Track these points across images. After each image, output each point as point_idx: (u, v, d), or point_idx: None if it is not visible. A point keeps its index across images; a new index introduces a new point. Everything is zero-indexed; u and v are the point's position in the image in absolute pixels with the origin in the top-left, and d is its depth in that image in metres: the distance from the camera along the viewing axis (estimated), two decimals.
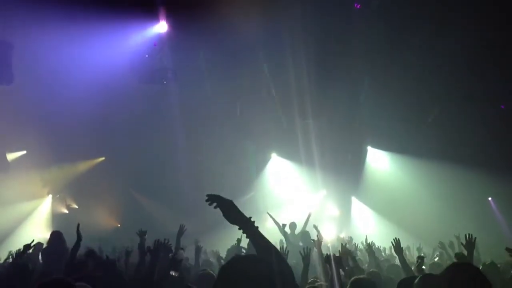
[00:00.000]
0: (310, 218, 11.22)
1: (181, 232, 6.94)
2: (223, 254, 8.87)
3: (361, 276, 4.49)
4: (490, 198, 16.18)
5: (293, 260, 8.79)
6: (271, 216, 11.35)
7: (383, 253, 10.53)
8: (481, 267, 6.17)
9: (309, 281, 5.19)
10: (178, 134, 16.34)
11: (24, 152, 16.40)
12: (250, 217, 2.81)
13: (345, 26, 13.28)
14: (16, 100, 13.58)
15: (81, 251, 6.27)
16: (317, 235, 6.31)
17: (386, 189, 16.88)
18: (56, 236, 7.33)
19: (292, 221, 11.01)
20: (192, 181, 17.10)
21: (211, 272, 5.33)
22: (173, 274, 4.31)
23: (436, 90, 13.90)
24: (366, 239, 8.91)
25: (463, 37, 12.44)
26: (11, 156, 16.08)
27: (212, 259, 8.86)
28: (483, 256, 8.73)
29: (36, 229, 16.74)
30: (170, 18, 13.00)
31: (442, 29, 12.70)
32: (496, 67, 12.98)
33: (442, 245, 8.96)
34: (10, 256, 7.63)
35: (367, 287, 4.17)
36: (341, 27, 13.31)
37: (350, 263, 5.58)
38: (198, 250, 7.26)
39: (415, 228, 14.19)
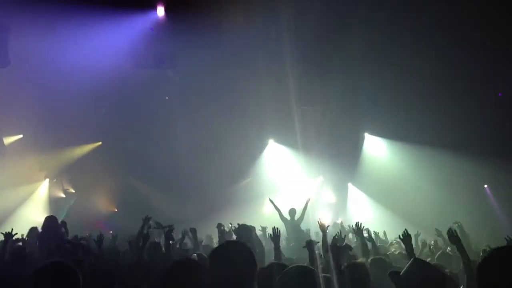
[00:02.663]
0: (309, 204, 11.26)
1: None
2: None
3: (356, 261, 4.53)
4: (486, 185, 16.27)
5: (291, 244, 8.93)
6: (272, 202, 11.36)
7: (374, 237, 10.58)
8: (481, 254, 6.23)
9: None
10: (175, 119, 16.32)
11: (21, 136, 16.36)
12: None
13: (342, 12, 13.20)
14: (13, 84, 13.50)
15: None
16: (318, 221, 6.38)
17: (382, 176, 16.93)
18: (50, 221, 7.31)
19: (291, 207, 11.07)
20: (189, 167, 17.14)
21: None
22: None
23: (434, 77, 13.87)
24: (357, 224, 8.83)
25: (462, 23, 12.40)
26: (7, 140, 16.04)
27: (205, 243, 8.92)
28: (477, 243, 8.81)
29: (33, 213, 16.75)
30: (167, 3, 12.87)
31: (441, 16, 12.64)
32: (494, 55, 12.96)
33: (438, 233, 9.01)
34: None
35: (361, 270, 4.21)
36: (338, 13, 13.23)
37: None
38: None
39: (411, 214, 14.28)
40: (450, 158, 14.45)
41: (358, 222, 6.56)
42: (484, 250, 6.62)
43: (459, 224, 9.07)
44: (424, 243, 8.61)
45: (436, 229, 9.01)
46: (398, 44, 13.52)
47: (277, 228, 5.40)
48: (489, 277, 1.95)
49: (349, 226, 10.52)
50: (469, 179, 14.73)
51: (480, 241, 9.12)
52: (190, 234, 7.30)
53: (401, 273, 3.17)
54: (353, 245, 6.30)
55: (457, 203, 14.26)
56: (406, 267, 3.21)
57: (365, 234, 7.92)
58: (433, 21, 12.94)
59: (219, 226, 7.41)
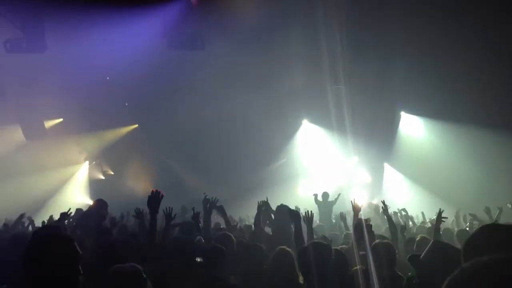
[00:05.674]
0: (340, 198, 11.49)
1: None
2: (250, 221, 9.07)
3: (379, 241, 4.51)
4: None
5: (320, 223, 9.19)
6: (317, 200, 11.33)
7: (415, 220, 10.51)
8: None
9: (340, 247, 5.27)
10: (209, 101, 16.38)
11: (61, 119, 16.84)
12: None
13: None
14: (52, 69, 13.85)
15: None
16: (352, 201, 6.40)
17: (420, 156, 16.58)
18: (97, 204, 7.44)
19: (324, 191, 11.42)
20: (223, 148, 17.25)
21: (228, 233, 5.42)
22: (198, 260, 4.37)
23: (473, 52, 13.33)
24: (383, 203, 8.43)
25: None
26: (48, 124, 16.55)
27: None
28: None
29: (74, 194, 17.35)
30: None
31: None
32: None
33: (487, 210, 8.86)
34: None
35: (387, 248, 4.21)
36: None
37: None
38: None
39: (450, 195, 13.95)
40: (490, 136, 13.96)
41: (383, 201, 6.54)
42: None
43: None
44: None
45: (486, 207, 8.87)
46: (434, 19, 13.05)
47: (311, 211, 5.46)
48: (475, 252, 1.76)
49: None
50: (510, 157, 14.21)
51: None
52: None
53: (421, 257, 3.11)
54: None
55: (497, 183, 13.83)
56: (426, 250, 3.13)
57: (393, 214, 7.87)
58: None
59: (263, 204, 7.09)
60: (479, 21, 12.62)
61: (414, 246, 5.22)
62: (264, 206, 6.63)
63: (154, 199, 4.68)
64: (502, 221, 8.27)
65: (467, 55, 13.26)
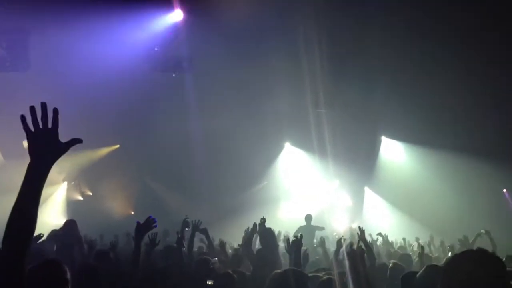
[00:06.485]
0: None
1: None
2: (235, 242, 8.94)
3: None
4: (505, 190, 15.99)
5: (304, 248, 9.01)
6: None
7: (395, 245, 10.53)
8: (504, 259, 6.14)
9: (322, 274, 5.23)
10: (192, 123, 16.36)
11: None
12: None
13: (360, 14, 13.10)
14: (31, 87, 13.70)
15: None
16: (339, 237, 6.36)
17: (399, 180, 16.75)
18: (69, 225, 7.34)
19: (307, 213, 11.35)
20: (205, 170, 17.17)
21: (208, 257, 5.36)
22: (209, 283, 4.31)
23: (452, 80, 13.66)
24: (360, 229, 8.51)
25: (480, 24, 12.21)
26: (26, 144, 16.27)
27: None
28: (497, 248, 8.66)
29: (51, 215, 16.98)
30: (186, 6, 12.92)
31: (461, 19, 12.46)
32: None
33: (464, 239, 9.00)
34: None
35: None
36: (356, 15, 13.13)
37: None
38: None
39: (428, 220, 14.10)
40: (469, 161, 14.22)
41: (360, 227, 6.47)
42: (509, 256, 6.50)
43: (487, 231, 9.07)
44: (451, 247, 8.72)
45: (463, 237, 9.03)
46: (416, 46, 13.36)
47: (300, 235, 5.44)
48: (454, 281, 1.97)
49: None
50: (488, 183, 14.47)
51: (498, 245, 8.97)
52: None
53: (416, 276, 3.14)
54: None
55: (476, 207, 14.03)
56: (420, 272, 3.16)
57: (368, 239, 7.84)
58: (452, 24, 12.75)
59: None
60: (461, 47, 12.97)
61: (388, 273, 5.09)
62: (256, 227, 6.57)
63: (146, 226, 4.38)
64: (477, 245, 8.42)
65: (449, 81, 13.58)
